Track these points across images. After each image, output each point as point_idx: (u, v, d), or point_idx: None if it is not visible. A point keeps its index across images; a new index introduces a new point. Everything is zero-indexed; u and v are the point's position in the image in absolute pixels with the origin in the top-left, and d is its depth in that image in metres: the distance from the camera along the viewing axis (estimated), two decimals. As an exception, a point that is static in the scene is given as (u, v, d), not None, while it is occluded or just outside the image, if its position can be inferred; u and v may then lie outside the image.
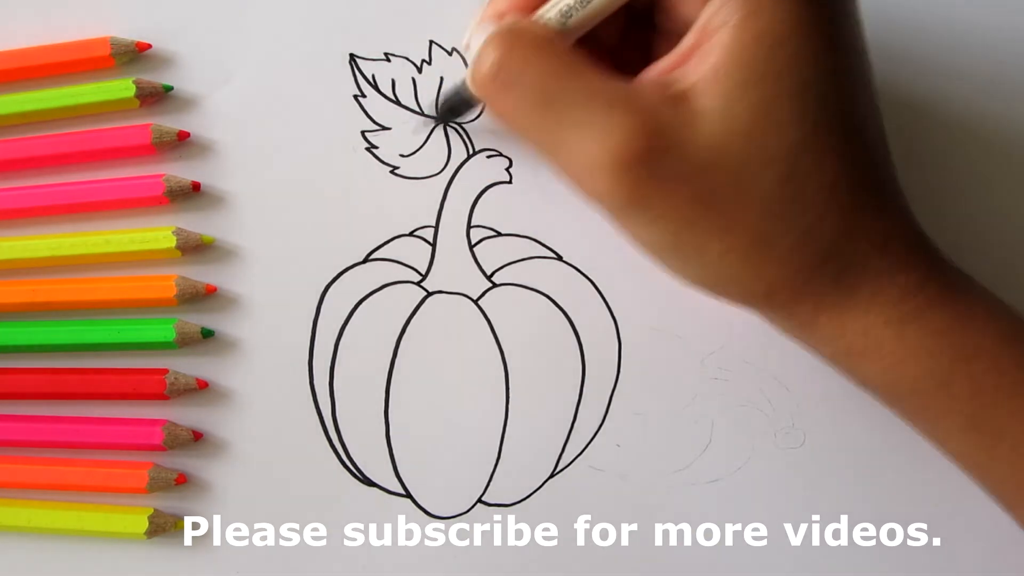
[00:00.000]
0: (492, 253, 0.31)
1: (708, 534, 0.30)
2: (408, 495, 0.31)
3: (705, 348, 0.31)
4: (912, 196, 0.26)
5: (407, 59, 0.32)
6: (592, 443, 0.31)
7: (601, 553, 0.30)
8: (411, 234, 0.31)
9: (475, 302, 0.31)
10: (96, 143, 0.31)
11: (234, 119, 0.32)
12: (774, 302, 0.25)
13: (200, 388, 0.30)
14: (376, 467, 0.31)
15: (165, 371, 0.30)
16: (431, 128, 0.32)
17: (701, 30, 0.24)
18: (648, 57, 0.26)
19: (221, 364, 0.31)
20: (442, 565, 0.30)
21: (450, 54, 0.32)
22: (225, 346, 0.31)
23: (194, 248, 0.31)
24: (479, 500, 0.31)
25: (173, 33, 0.32)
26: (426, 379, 0.31)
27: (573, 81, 0.24)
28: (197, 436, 0.30)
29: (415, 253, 0.31)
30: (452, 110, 0.31)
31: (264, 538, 0.30)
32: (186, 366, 0.31)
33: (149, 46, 0.31)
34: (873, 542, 0.30)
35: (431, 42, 0.32)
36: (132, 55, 0.31)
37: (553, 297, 0.31)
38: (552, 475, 0.31)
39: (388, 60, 0.32)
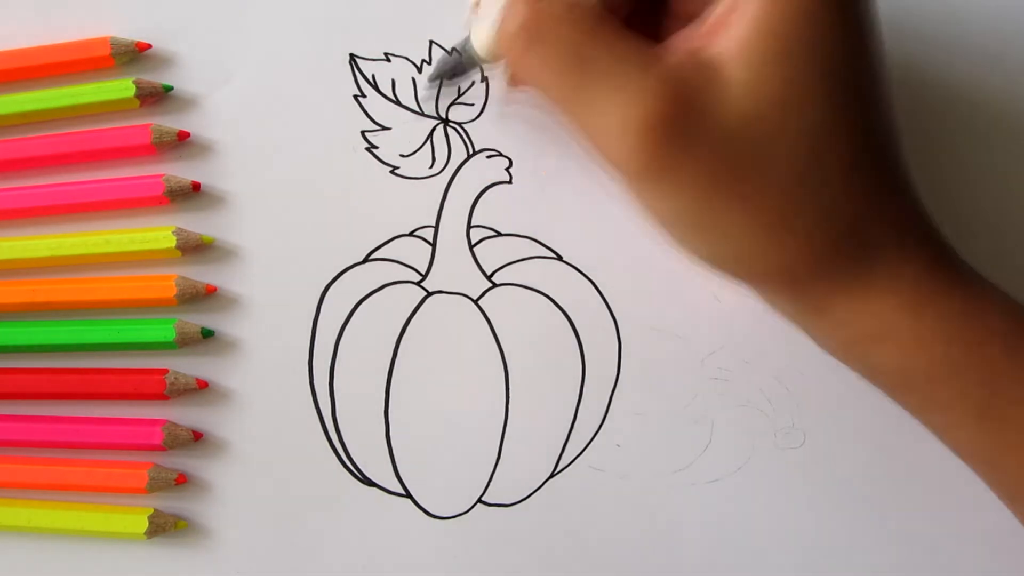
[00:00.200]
0: (492, 253, 0.31)
1: (708, 534, 0.30)
2: (408, 495, 0.31)
3: (705, 348, 0.31)
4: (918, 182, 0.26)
5: (407, 59, 0.32)
6: (592, 443, 0.31)
7: (601, 553, 0.30)
8: (411, 234, 0.31)
9: (475, 302, 0.31)
10: (96, 143, 0.31)
11: (234, 119, 0.32)
12: (790, 280, 0.25)
13: (200, 388, 0.30)
14: (376, 467, 0.31)
15: (165, 371, 0.30)
16: (431, 128, 0.32)
17: (732, 1, 0.23)
18: (656, 33, 0.26)
19: (221, 364, 0.31)
20: (442, 565, 0.30)
21: (450, 54, 0.32)
22: (225, 346, 0.31)
23: (194, 248, 0.31)
24: (479, 500, 0.31)
25: (173, 33, 0.32)
26: (426, 379, 0.31)
27: (604, 41, 0.23)
28: (197, 436, 0.30)
29: (415, 253, 0.31)
30: (449, 73, 0.30)
31: (264, 538, 0.30)
32: (186, 366, 0.31)
33: (149, 46, 0.31)
34: (873, 542, 0.30)
35: (431, 42, 0.32)
36: (132, 55, 0.31)
37: (553, 297, 0.31)
38: (552, 475, 0.31)
39: (388, 60, 0.32)
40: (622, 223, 0.31)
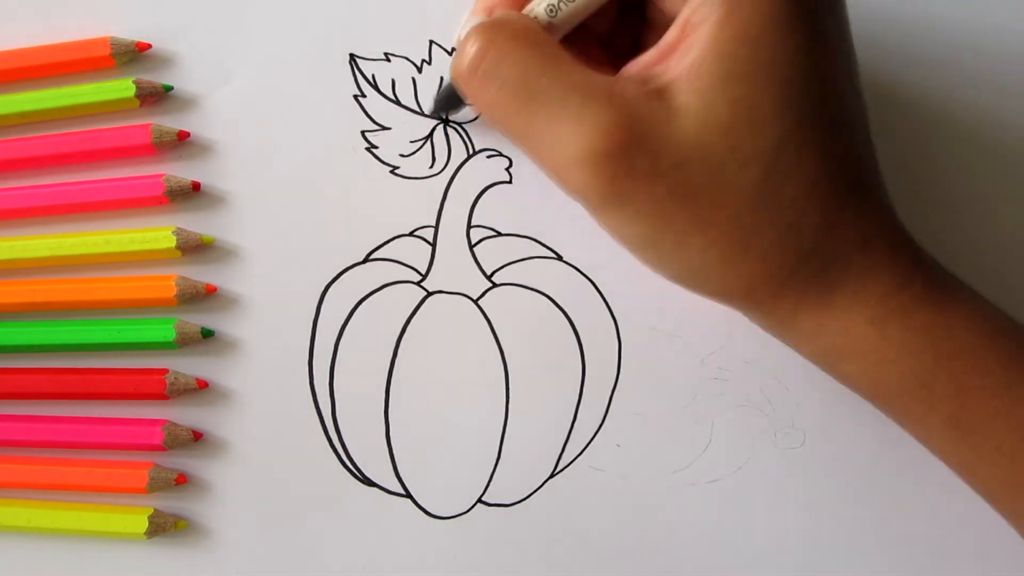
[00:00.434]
0: (492, 253, 0.31)
1: (708, 534, 0.30)
2: (408, 495, 0.31)
3: (705, 348, 0.31)
4: (895, 193, 0.26)
5: (407, 59, 0.32)
6: (592, 443, 0.31)
7: (601, 553, 0.30)
8: (411, 234, 0.31)
9: (475, 302, 0.31)
10: (96, 143, 0.31)
11: (234, 119, 0.32)
12: (754, 299, 0.25)
13: (200, 388, 0.30)
14: (376, 467, 0.31)
15: (165, 371, 0.30)
16: (431, 128, 0.32)
17: (683, 25, 0.24)
18: (640, 46, 0.26)
19: (221, 364, 0.31)
20: (442, 565, 0.30)
21: (450, 54, 0.32)
22: (225, 346, 0.31)
23: (194, 248, 0.31)
24: (479, 500, 0.31)
25: (173, 33, 0.32)
26: (426, 379, 0.31)
27: (552, 74, 0.24)
28: (197, 436, 0.30)
29: (415, 253, 0.31)
30: (445, 105, 0.31)
31: (264, 538, 0.30)
32: (186, 366, 0.31)
33: (149, 46, 0.31)
34: (873, 542, 0.30)
35: (431, 42, 0.32)
36: (132, 55, 0.31)
37: (553, 297, 0.31)
38: (552, 475, 0.31)
39: (388, 60, 0.32)
40: (622, 223, 0.31)
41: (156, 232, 0.30)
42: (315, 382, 0.31)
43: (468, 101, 0.26)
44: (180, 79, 0.32)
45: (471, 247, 0.31)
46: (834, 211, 0.24)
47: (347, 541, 0.30)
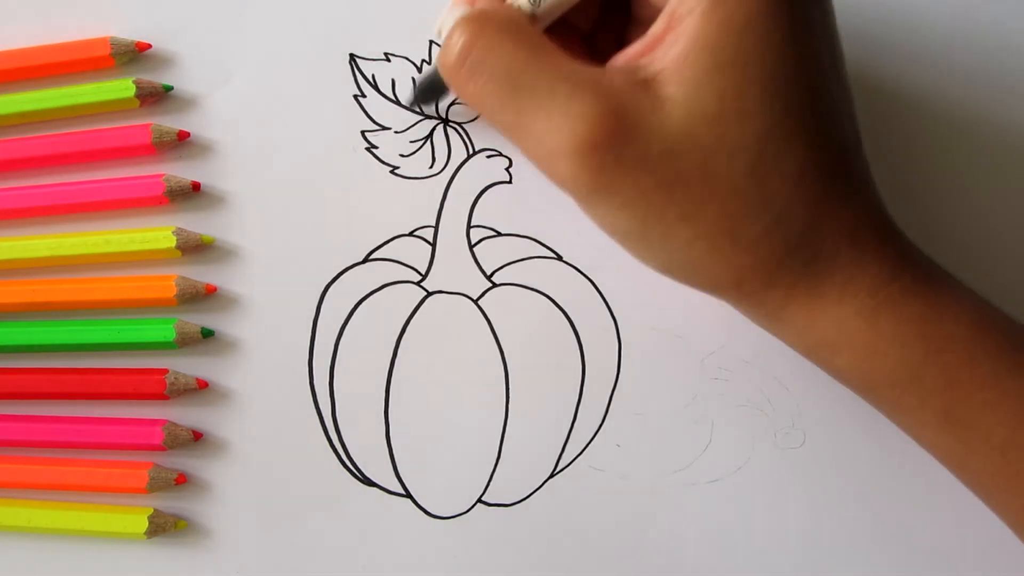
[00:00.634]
0: (492, 253, 0.31)
1: (708, 534, 0.30)
2: (408, 495, 0.31)
3: (705, 348, 0.31)
4: (883, 186, 0.26)
5: (407, 59, 0.32)
6: (592, 443, 0.31)
7: (601, 553, 0.30)
8: (411, 234, 0.31)
9: (475, 302, 0.31)
10: (96, 143, 0.31)
11: (234, 119, 0.32)
12: (743, 291, 0.25)
13: (200, 388, 0.30)
14: (376, 467, 0.31)
15: (165, 371, 0.30)
16: (431, 128, 0.32)
17: (670, 16, 0.24)
18: (623, 44, 0.26)
19: (221, 364, 0.31)
20: (442, 565, 0.30)
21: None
22: (225, 346, 0.31)
23: (194, 248, 0.31)
24: (479, 500, 0.31)
25: (173, 33, 0.32)
26: (426, 379, 0.31)
27: (539, 66, 0.24)
28: (197, 436, 0.30)
29: (415, 253, 0.31)
30: (427, 94, 0.30)
31: (264, 538, 0.30)
32: (186, 366, 0.31)
33: (149, 46, 0.31)
34: (873, 542, 0.30)
35: (431, 42, 0.32)
36: (132, 55, 0.31)
37: (553, 297, 0.31)
38: (552, 475, 0.31)
39: (388, 60, 0.32)
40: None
41: (156, 232, 0.30)
42: (315, 382, 0.31)
43: (456, 94, 0.26)
44: (180, 79, 0.32)
45: (471, 247, 0.31)
46: (822, 202, 0.24)
47: (347, 541, 0.30)
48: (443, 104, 0.32)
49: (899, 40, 0.32)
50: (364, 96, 0.32)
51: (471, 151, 0.32)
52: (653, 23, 0.24)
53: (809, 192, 0.24)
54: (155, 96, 0.31)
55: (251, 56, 0.32)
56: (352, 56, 0.32)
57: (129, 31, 0.31)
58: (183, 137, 0.31)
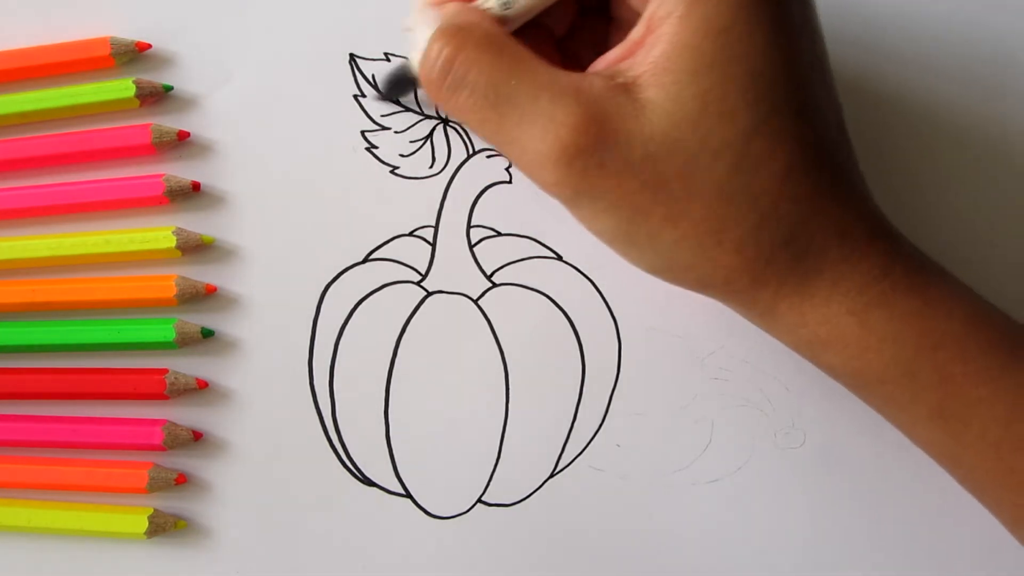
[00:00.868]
0: (492, 253, 0.31)
1: (708, 534, 0.30)
2: (408, 495, 0.31)
3: (705, 348, 0.31)
4: (874, 183, 0.26)
5: (407, 59, 0.32)
6: (592, 443, 0.31)
7: (601, 553, 0.30)
8: (411, 234, 0.31)
9: (475, 302, 0.31)
10: (96, 143, 0.31)
11: (234, 119, 0.32)
12: (732, 290, 0.25)
13: (200, 388, 0.30)
14: (376, 467, 0.31)
15: (165, 371, 0.30)
16: (431, 128, 0.32)
17: (648, 20, 0.24)
18: (600, 48, 0.26)
19: (221, 364, 0.31)
20: (442, 565, 0.30)
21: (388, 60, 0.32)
22: (225, 346, 0.31)
23: (194, 248, 0.31)
24: (479, 500, 0.31)
25: (173, 33, 0.32)
26: (426, 379, 0.31)
27: (519, 76, 0.24)
28: (197, 436, 0.30)
29: (415, 253, 0.31)
30: (395, 88, 0.31)
31: (264, 538, 0.30)
32: (186, 366, 0.31)
33: (149, 46, 0.31)
34: (873, 542, 0.30)
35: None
36: (132, 55, 0.31)
37: (553, 297, 0.31)
38: (552, 475, 0.31)
39: (388, 60, 0.32)
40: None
41: (156, 232, 0.30)
42: (315, 382, 0.31)
43: (438, 107, 0.26)
44: (180, 79, 0.32)
45: (471, 247, 0.31)
46: (809, 200, 0.24)
47: (347, 541, 0.30)
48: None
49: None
50: (364, 96, 0.32)
51: (471, 151, 0.32)
52: (633, 27, 0.24)
53: (796, 189, 0.24)
54: (155, 96, 0.31)
55: (251, 56, 0.32)
56: (352, 56, 0.32)
57: (129, 31, 0.31)
58: (183, 137, 0.31)
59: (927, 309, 0.24)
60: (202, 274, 0.31)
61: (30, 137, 0.31)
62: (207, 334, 0.31)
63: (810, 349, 0.26)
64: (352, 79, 0.32)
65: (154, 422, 0.30)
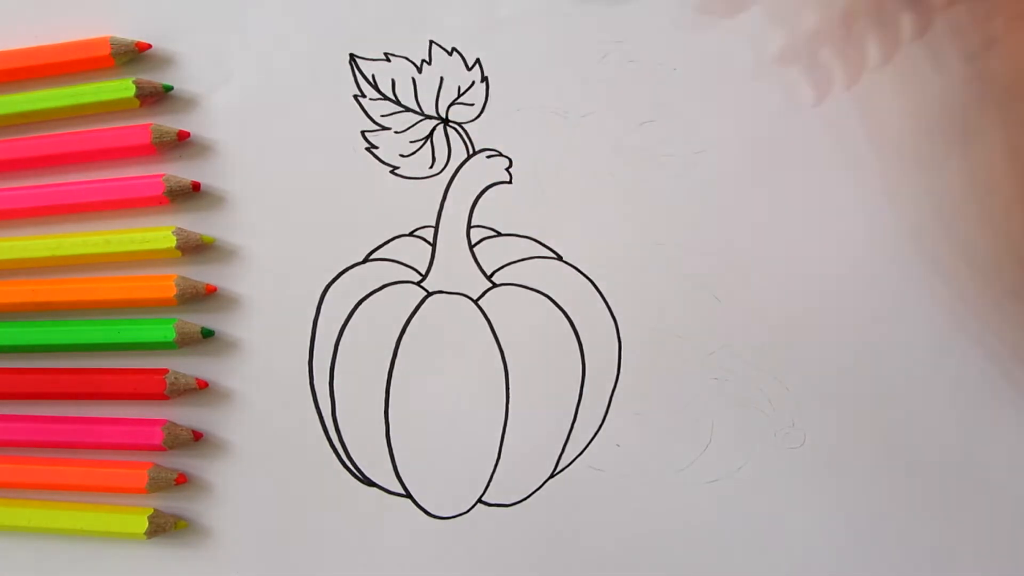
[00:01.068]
0: (492, 253, 0.31)
1: (708, 534, 0.30)
2: (408, 495, 0.31)
3: (705, 348, 0.31)
4: None
5: (407, 59, 0.32)
6: (592, 443, 0.31)
7: (601, 553, 0.30)
8: (411, 234, 0.31)
9: (475, 302, 0.31)
10: (96, 143, 0.31)
11: (234, 119, 0.32)
12: None
13: (200, 388, 0.30)
14: (376, 467, 0.31)
15: (165, 371, 0.30)
16: (431, 128, 0.32)
17: None
18: None
19: (221, 364, 0.31)
20: (442, 565, 0.30)
21: (450, 54, 0.32)
22: (225, 346, 0.31)
23: (194, 248, 0.31)
24: (479, 500, 0.31)
25: (173, 33, 0.32)
26: (426, 379, 0.31)
27: None
28: (197, 436, 0.30)
29: (415, 253, 0.31)
30: None
31: (264, 538, 0.30)
32: (186, 366, 0.31)
33: (149, 46, 0.31)
34: (873, 542, 0.30)
35: (431, 42, 0.32)
36: (132, 55, 0.31)
37: (553, 297, 0.31)
38: (552, 475, 0.31)
39: (388, 60, 0.32)
40: (622, 223, 0.31)
41: (156, 232, 0.30)
42: (315, 382, 0.31)
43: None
44: (180, 79, 0.32)
45: (471, 247, 0.31)
46: None
47: (347, 541, 0.30)
48: (443, 104, 0.32)
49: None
50: (364, 96, 0.32)
51: (471, 151, 0.32)
52: None
53: None
54: (155, 96, 0.31)
55: (251, 56, 0.32)
56: (352, 56, 0.32)
57: (129, 31, 0.31)
58: (183, 137, 0.31)
59: None
60: (202, 274, 0.31)
61: (30, 137, 0.31)
62: (207, 334, 0.31)
63: None
64: (352, 79, 0.32)
65: (154, 422, 0.30)
